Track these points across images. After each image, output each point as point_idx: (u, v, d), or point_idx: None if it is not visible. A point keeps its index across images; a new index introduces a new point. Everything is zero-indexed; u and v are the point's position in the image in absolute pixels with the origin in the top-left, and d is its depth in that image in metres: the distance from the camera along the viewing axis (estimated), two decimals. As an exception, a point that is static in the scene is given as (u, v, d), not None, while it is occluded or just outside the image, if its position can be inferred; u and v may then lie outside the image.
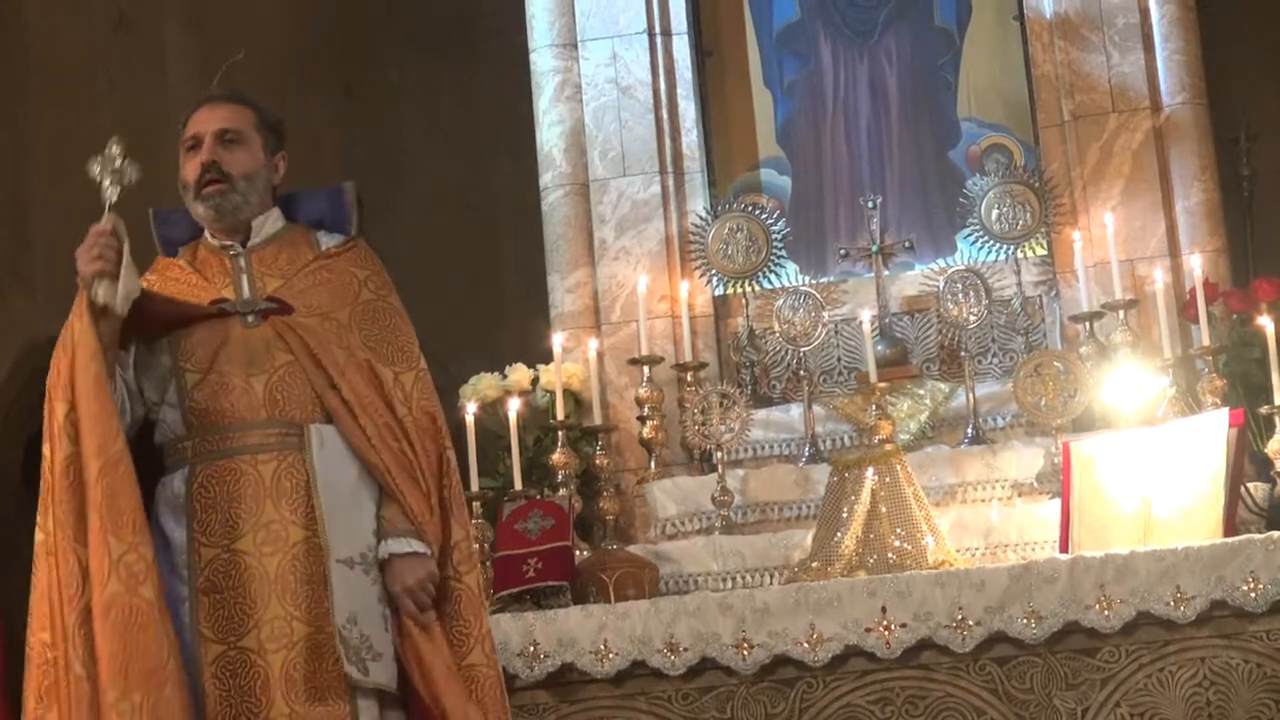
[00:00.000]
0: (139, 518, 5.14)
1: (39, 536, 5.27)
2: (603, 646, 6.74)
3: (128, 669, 5.03)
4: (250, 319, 5.38)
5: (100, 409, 5.19)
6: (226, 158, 5.45)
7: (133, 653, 5.04)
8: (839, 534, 6.99)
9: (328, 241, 5.60)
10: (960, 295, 7.73)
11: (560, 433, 7.59)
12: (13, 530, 7.97)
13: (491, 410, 7.69)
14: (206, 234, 5.56)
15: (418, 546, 5.31)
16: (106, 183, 5.33)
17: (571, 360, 7.89)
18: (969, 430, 7.58)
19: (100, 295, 5.22)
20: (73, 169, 8.48)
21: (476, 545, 6.58)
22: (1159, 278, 7.61)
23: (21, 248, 8.37)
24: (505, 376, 7.85)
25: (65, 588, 5.15)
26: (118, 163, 5.34)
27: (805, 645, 6.65)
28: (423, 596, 5.29)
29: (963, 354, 7.72)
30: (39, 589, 5.24)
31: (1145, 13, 7.95)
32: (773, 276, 8.02)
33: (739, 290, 8.05)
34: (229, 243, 5.51)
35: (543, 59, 8.34)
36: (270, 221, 5.57)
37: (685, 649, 6.71)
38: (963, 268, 7.84)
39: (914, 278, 8.03)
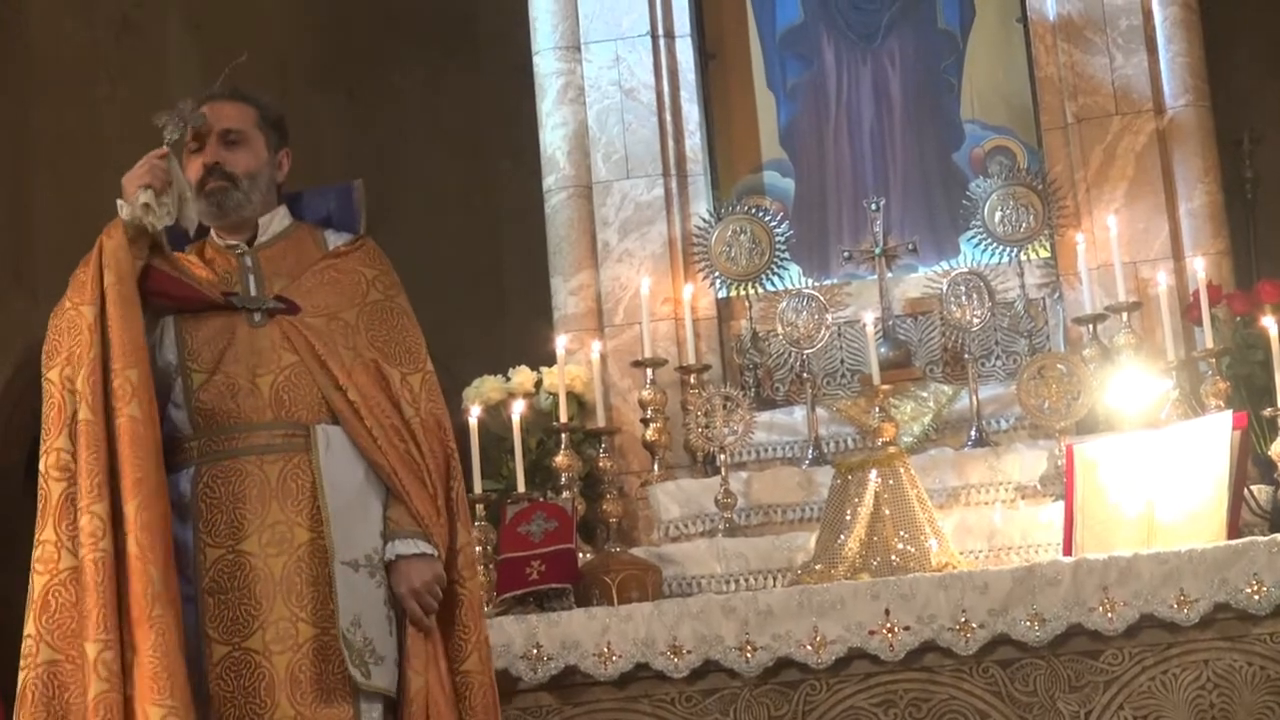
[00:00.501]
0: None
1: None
2: (606, 649, 6.75)
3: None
4: (257, 318, 5.39)
5: (134, 326, 5.27)
6: (229, 158, 5.47)
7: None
8: (842, 536, 7.00)
9: (335, 240, 5.61)
10: (964, 298, 7.74)
11: (563, 435, 7.60)
12: (14, 528, 8.00)
13: (495, 413, 7.69)
14: (213, 234, 5.57)
15: (425, 548, 5.31)
16: (169, 124, 5.36)
17: (575, 363, 7.90)
18: (972, 433, 7.59)
19: (141, 199, 5.26)
20: (75, 171, 8.54)
21: (479, 548, 6.58)
22: (1162, 280, 7.62)
23: (23, 250, 8.39)
24: (508, 379, 7.85)
25: None
26: (186, 109, 5.38)
27: (809, 648, 6.66)
28: (429, 599, 5.30)
29: (966, 356, 7.73)
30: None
31: (1148, 15, 7.96)
32: (776, 279, 8.03)
33: (742, 292, 8.05)
34: (235, 242, 5.52)
35: (546, 61, 8.34)
36: (277, 220, 5.58)
37: (689, 651, 6.72)
38: (966, 270, 7.84)
39: (917, 280, 8.04)
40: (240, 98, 5.59)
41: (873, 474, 7.02)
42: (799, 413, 7.82)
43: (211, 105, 5.54)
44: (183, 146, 5.42)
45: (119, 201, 5.32)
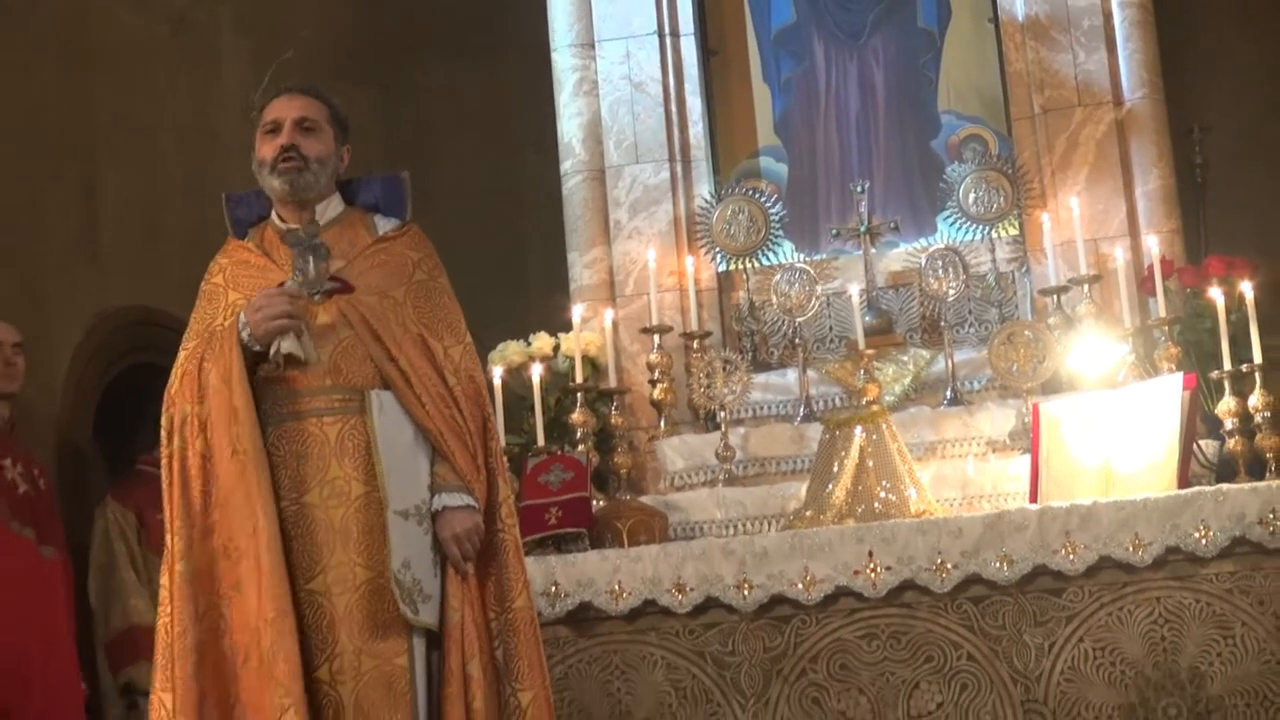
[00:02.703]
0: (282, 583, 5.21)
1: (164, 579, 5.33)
2: (617, 587, 6.76)
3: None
4: (317, 297, 5.39)
5: (261, 475, 5.26)
6: (304, 142, 5.46)
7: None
8: (830, 486, 7.01)
9: (384, 225, 5.61)
10: (940, 271, 7.74)
11: (579, 394, 7.61)
12: (83, 478, 8.02)
13: (517, 374, 7.70)
14: (274, 216, 5.56)
15: (467, 500, 5.34)
16: (297, 258, 5.34)
17: (589, 329, 7.91)
18: (948, 393, 7.60)
19: (286, 346, 5.27)
20: (134, 156, 8.53)
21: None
22: (1120, 256, 7.62)
23: (90, 227, 8.38)
24: (529, 344, 7.87)
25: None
26: (313, 240, 5.37)
27: (799, 586, 6.67)
28: (468, 545, 5.32)
29: (942, 324, 7.73)
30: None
31: (1108, 16, 7.95)
32: (771, 254, 8.03)
33: (740, 266, 8.06)
34: (295, 226, 5.51)
35: (563, 58, 8.35)
36: (332, 206, 5.58)
37: (691, 589, 6.73)
38: (942, 246, 7.84)
39: (898, 255, 8.05)
40: (315, 94, 5.60)
41: (858, 430, 7.03)
42: (791, 374, 7.82)
43: (291, 96, 5.55)
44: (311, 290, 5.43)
45: (243, 330, 5.31)
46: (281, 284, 5.39)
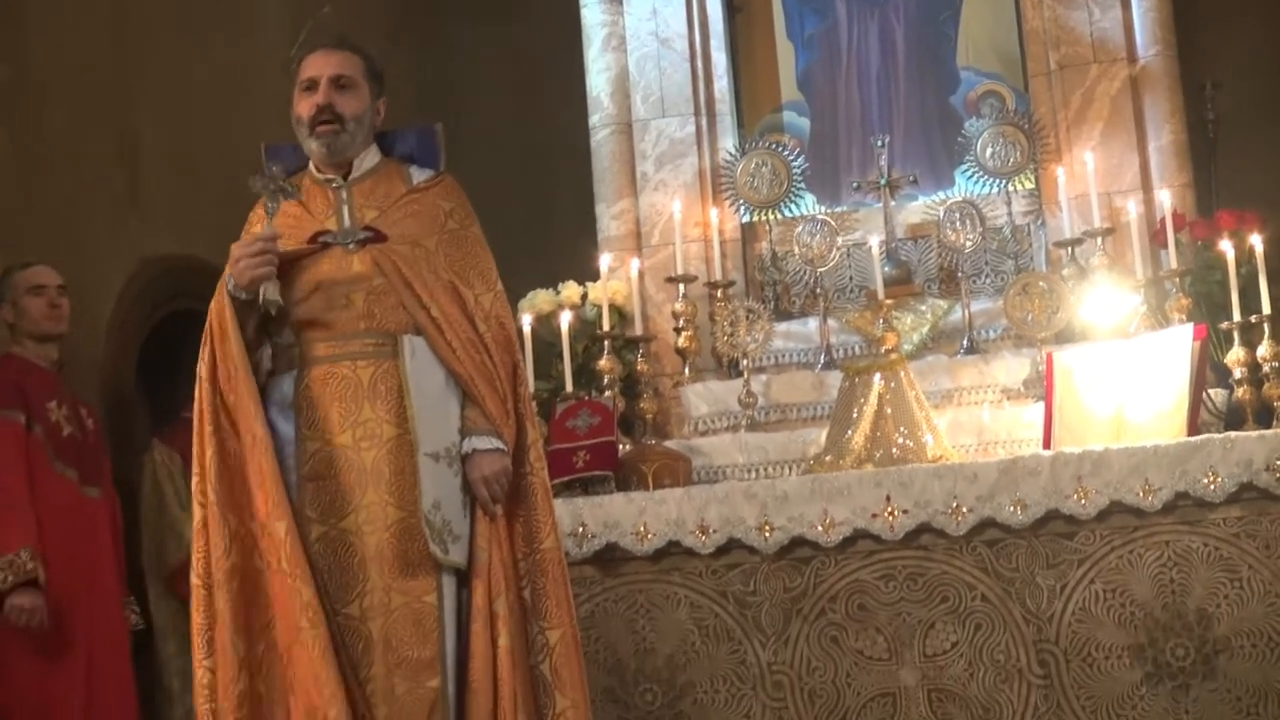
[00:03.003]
0: (281, 494, 5.24)
1: (197, 513, 5.36)
2: (642, 528, 6.79)
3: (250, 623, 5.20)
4: (351, 246, 5.41)
5: (246, 393, 5.30)
6: (340, 100, 5.45)
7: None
8: (849, 432, 7.03)
9: (419, 176, 5.61)
10: (958, 223, 7.74)
11: (606, 342, 7.63)
12: (128, 421, 8.06)
13: (546, 322, 7.72)
14: (312, 167, 5.57)
15: (497, 444, 5.36)
16: (267, 199, 5.36)
17: (616, 278, 7.93)
18: (964, 342, 7.61)
19: (267, 294, 5.29)
20: (175, 111, 8.55)
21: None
22: (1133, 209, 7.62)
23: (134, 178, 8.39)
24: (558, 292, 7.88)
25: (214, 548, 5.27)
26: (279, 181, 5.37)
27: (819, 528, 6.69)
28: (496, 487, 5.34)
29: (959, 275, 7.74)
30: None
31: (1123, -26, 7.95)
32: (793, 206, 8.03)
33: (763, 218, 8.07)
34: (332, 176, 5.52)
35: (592, 14, 8.35)
36: (369, 158, 5.58)
37: (714, 531, 6.76)
38: (960, 199, 7.85)
39: (917, 208, 8.05)
40: (351, 47, 5.56)
41: (877, 377, 7.04)
42: (812, 323, 7.84)
43: (327, 52, 5.51)
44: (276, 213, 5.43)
45: (229, 278, 5.35)
46: (316, 235, 5.41)
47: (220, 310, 5.36)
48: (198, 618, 5.27)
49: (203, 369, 5.38)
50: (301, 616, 5.12)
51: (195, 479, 5.35)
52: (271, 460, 5.23)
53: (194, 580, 5.30)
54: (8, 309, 7.25)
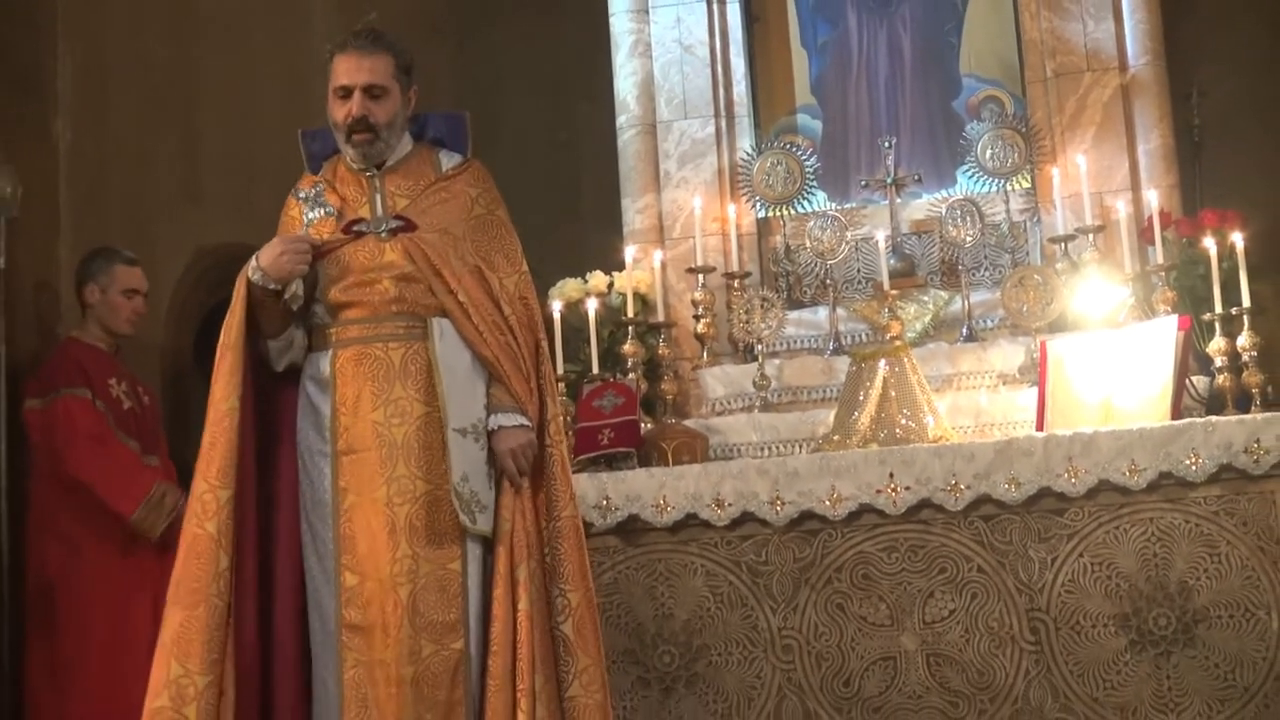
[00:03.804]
0: (227, 463, 5.22)
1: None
2: (662, 501, 6.79)
3: (178, 586, 5.18)
4: (384, 234, 5.40)
5: (226, 369, 5.33)
6: (374, 109, 5.43)
7: (183, 574, 5.17)
8: (856, 413, 7.02)
9: (448, 163, 5.59)
10: (959, 220, 7.73)
11: (630, 327, 7.63)
12: (186, 399, 8.07)
13: (574, 308, 7.71)
14: (347, 155, 5.58)
15: (521, 420, 5.36)
16: (306, 209, 5.36)
17: (640, 269, 7.92)
18: (964, 330, 7.59)
19: (292, 290, 5.33)
20: (233, 107, 8.56)
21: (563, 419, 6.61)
22: (1122, 208, 7.60)
23: (192, 171, 8.41)
24: (586, 281, 7.87)
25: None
26: (322, 201, 5.37)
27: (827, 503, 6.69)
28: (523, 460, 5.35)
29: (960, 268, 7.72)
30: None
31: (1116, -11, 7.93)
32: (806, 202, 8.02)
33: (778, 213, 8.05)
34: (365, 167, 5.52)
35: (620, 21, 8.33)
36: (401, 147, 5.57)
37: (729, 504, 6.75)
38: (961, 197, 7.82)
39: (921, 205, 8.03)
40: (381, 47, 5.51)
41: (882, 363, 7.03)
42: (823, 312, 7.82)
43: (360, 56, 5.47)
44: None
45: (254, 266, 5.36)
46: (351, 224, 5.41)
47: (235, 297, 5.39)
48: None
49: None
50: (213, 583, 5.12)
51: None
52: (227, 437, 5.24)
53: None
54: (94, 291, 7.21)
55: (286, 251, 5.29)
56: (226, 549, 5.16)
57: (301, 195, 5.39)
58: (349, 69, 5.46)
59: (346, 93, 5.45)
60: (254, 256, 5.37)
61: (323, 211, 5.37)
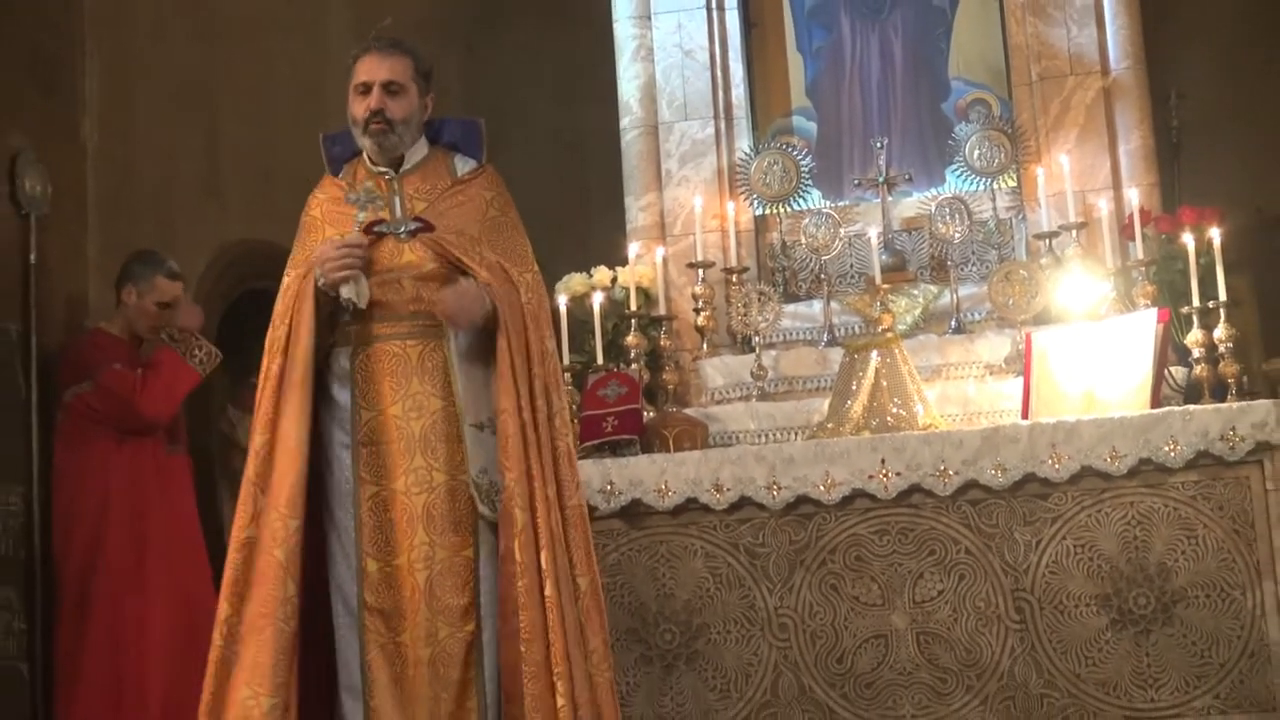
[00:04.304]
0: (296, 493, 5.18)
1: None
2: (664, 486, 6.79)
3: (247, 607, 5.17)
4: (403, 235, 5.39)
5: (295, 406, 5.24)
6: (390, 105, 5.40)
7: (252, 597, 5.17)
8: (849, 402, 7.01)
9: (463, 167, 5.56)
10: (948, 217, 7.71)
11: (633, 320, 7.63)
12: (208, 388, 8.06)
13: (580, 302, 7.71)
14: (366, 159, 5.54)
15: (487, 297, 5.35)
16: (358, 212, 5.32)
17: (643, 264, 7.91)
18: (952, 323, 7.58)
19: (346, 294, 5.27)
20: (252, 110, 8.56)
21: (571, 407, 6.58)
22: (1104, 206, 7.59)
23: (214, 170, 8.41)
24: (591, 276, 7.87)
25: (240, 518, 5.25)
26: (373, 197, 5.34)
27: (821, 488, 6.69)
28: (457, 302, 5.29)
29: (949, 263, 7.72)
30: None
31: (1099, -4, 7.92)
32: (801, 200, 8.00)
33: (774, 211, 8.04)
34: (384, 169, 5.50)
35: (623, 28, 8.32)
36: (418, 150, 5.54)
37: (728, 489, 6.76)
38: (950, 196, 7.81)
39: (912, 203, 8.02)
40: (402, 51, 5.49)
41: (874, 354, 7.02)
42: (817, 305, 7.81)
43: (381, 57, 5.45)
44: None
45: (318, 274, 5.30)
46: (372, 225, 5.38)
47: (301, 315, 5.31)
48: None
49: (274, 361, 5.34)
50: (280, 609, 5.10)
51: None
52: (296, 467, 5.18)
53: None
54: (131, 293, 7.20)
55: (327, 260, 5.26)
56: (294, 576, 5.13)
57: (352, 198, 5.35)
58: (369, 67, 5.44)
59: (366, 89, 5.43)
60: (311, 267, 5.34)
61: (372, 209, 5.35)
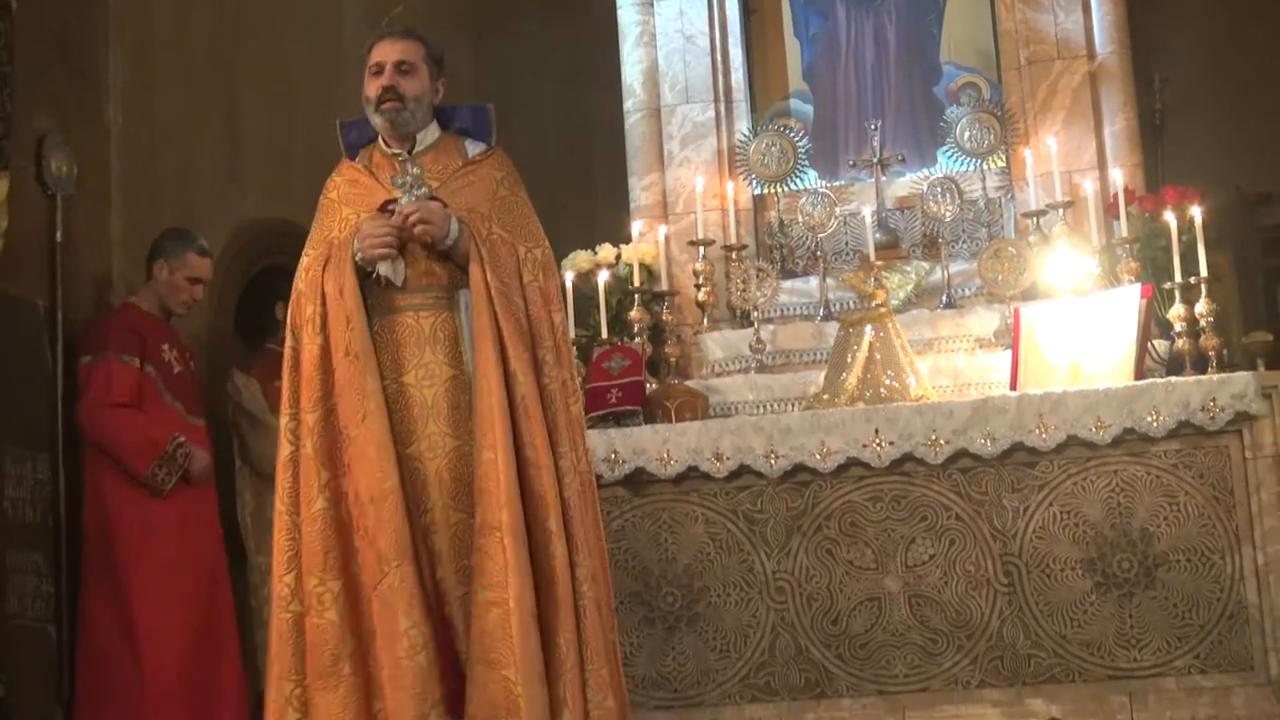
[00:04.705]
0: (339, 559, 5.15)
1: (285, 450, 5.28)
2: (666, 455, 6.80)
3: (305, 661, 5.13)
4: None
5: (369, 374, 5.21)
6: (402, 82, 5.39)
7: (311, 657, 5.13)
8: (844, 374, 7.02)
9: (473, 150, 5.53)
10: (939, 196, 7.71)
11: (636, 296, 7.63)
12: (225, 363, 8.08)
13: (585, 278, 7.71)
14: (380, 142, 5.53)
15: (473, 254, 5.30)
16: (401, 195, 5.31)
17: (646, 242, 7.91)
18: (944, 298, 7.58)
19: (383, 270, 5.25)
20: (270, 96, 8.55)
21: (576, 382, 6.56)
22: (1089, 186, 7.59)
23: (235, 154, 8.40)
24: (596, 253, 7.86)
25: (305, 492, 5.21)
26: (419, 179, 5.33)
27: (817, 457, 6.70)
28: (425, 218, 5.25)
29: (940, 241, 7.70)
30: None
31: (1085, -19, 7.90)
32: (798, 180, 7.99)
33: (772, 191, 8.03)
34: (398, 151, 5.49)
35: (627, 14, 8.30)
36: (429, 133, 5.52)
37: (727, 458, 6.77)
38: (941, 176, 7.80)
39: (905, 183, 8.00)
40: (413, 35, 5.49)
41: (868, 328, 7.03)
42: (813, 281, 7.81)
43: (393, 40, 5.44)
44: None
45: (356, 249, 5.28)
46: (385, 204, 5.37)
47: (345, 291, 5.27)
48: (280, 539, 5.24)
49: (312, 340, 5.30)
50: (343, 664, 5.08)
51: (287, 419, 5.28)
52: (383, 440, 5.14)
53: (278, 507, 5.26)
54: (163, 268, 7.19)
55: (368, 235, 5.26)
56: (353, 631, 5.13)
57: (399, 182, 5.33)
58: (383, 50, 5.44)
59: (379, 69, 5.42)
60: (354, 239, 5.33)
61: (420, 193, 5.34)
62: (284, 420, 5.31)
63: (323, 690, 5.08)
